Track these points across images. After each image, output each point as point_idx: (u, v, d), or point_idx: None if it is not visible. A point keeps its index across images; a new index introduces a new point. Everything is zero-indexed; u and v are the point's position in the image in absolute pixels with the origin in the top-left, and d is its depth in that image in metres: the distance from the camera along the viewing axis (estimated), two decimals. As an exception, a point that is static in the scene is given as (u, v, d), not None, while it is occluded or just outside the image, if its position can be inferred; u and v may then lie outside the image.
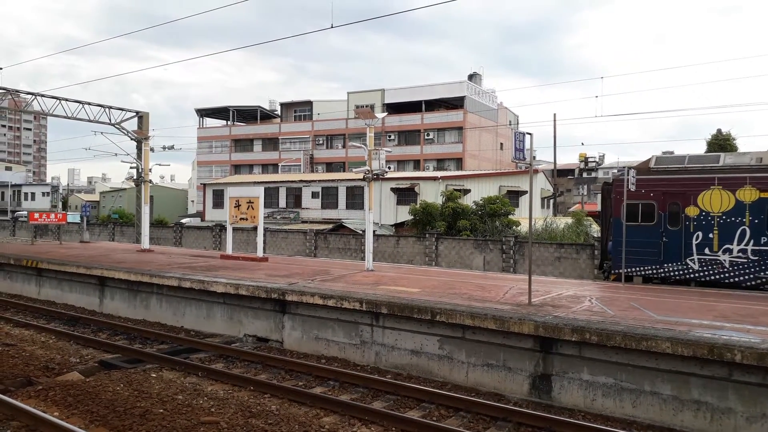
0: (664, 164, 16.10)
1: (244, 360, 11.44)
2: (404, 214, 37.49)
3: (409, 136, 57.91)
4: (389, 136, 57.87)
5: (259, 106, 69.00)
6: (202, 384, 9.71)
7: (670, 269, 15.41)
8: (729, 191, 14.62)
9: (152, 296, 15.64)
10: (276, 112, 70.48)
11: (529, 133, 11.66)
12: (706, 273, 14.93)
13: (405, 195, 41.18)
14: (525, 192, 41.57)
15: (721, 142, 37.18)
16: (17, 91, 27.23)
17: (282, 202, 47.98)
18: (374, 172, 17.43)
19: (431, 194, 38.36)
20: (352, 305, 11.60)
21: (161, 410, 8.15)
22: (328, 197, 45.67)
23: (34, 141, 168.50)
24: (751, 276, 14.41)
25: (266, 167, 65.85)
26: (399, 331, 11.17)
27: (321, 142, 62.91)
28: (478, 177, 43.00)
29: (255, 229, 21.94)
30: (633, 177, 15.12)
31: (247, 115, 70.52)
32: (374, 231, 23.01)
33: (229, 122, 70.37)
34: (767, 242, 14.16)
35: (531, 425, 8.18)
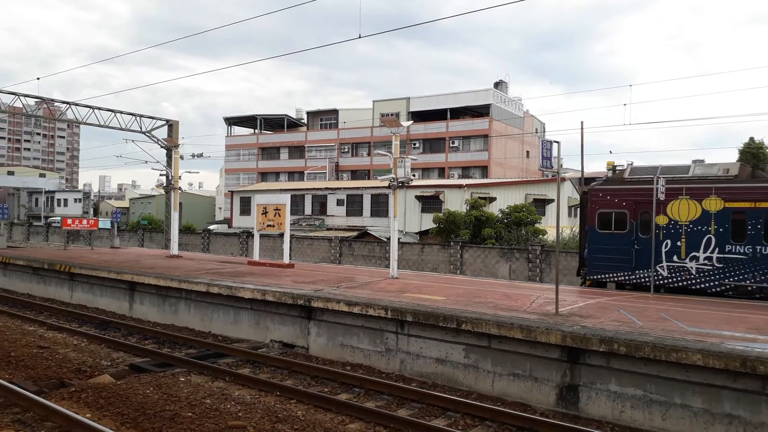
0: (637, 174, 16.64)
1: (270, 365, 11.55)
2: (429, 221, 37.45)
3: (434, 144, 57.89)
4: (414, 144, 57.93)
5: (286, 115, 69.74)
6: (230, 388, 9.83)
7: (642, 276, 15.78)
8: (696, 201, 15.07)
9: (181, 301, 15.89)
10: (302, 121, 71.14)
11: (557, 141, 11.60)
12: (675, 280, 15.35)
13: (430, 203, 41.16)
14: (552, 200, 41.21)
15: (754, 151, 36.38)
16: (52, 100, 28.04)
17: (308, 210, 48.35)
18: (399, 180, 17.47)
19: (456, 202, 38.27)
20: (377, 312, 11.63)
21: (190, 414, 8.28)
22: (353, 205, 45.87)
23: (67, 148, 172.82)
24: (716, 283, 14.78)
25: (292, 175, 66.44)
26: (424, 339, 11.16)
27: (346, 150, 63.28)
28: (503, 185, 42.77)
29: (281, 235, 22.16)
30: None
31: (274, 123, 71.32)
32: (399, 239, 23.03)
33: (256, 131, 71.26)
34: (731, 250, 14.57)
35: (558, 436, 8.09)
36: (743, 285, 14.43)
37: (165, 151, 28.27)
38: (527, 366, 9.93)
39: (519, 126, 59.46)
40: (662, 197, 14.77)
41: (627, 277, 16.08)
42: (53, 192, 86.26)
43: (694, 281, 15.07)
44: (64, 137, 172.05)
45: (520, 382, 9.97)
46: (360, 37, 16.11)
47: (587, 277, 17.09)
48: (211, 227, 52.48)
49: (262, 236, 23.45)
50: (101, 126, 28.09)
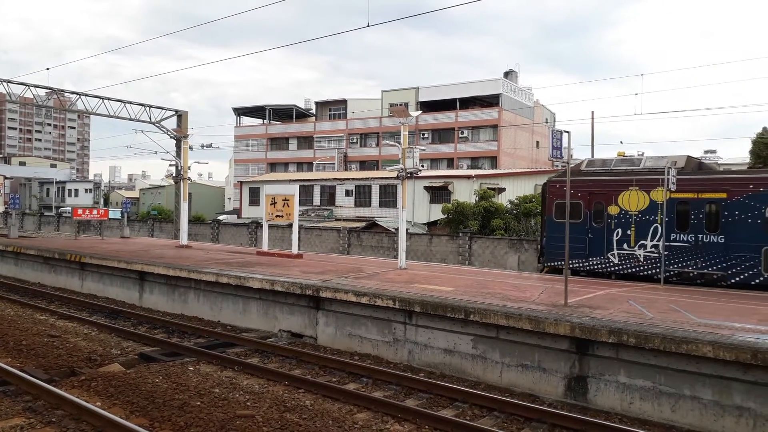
0: (593, 166, 17.51)
1: (278, 355, 11.59)
2: (437, 212, 37.38)
3: (443, 134, 57.67)
4: (423, 135, 57.74)
5: (295, 105, 69.69)
6: (238, 378, 9.87)
7: (595, 263, 16.74)
8: (644, 192, 15.86)
9: (190, 291, 15.97)
10: (311, 111, 71.07)
11: (567, 131, 11.49)
12: (624, 267, 16.25)
13: (438, 193, 41.04)
14: (561, 191, 40.88)
15: (767, 140, 35.94)
16: (62, 90, 28.12)
17: (316, 200, 48.38)
18: (408, 171, 17.41)
19: (465, 193, 38.14)
20: (385, 303, 11.63)
21: (198, 403, 8.33)
22: (362, 195, 45.84)
23: (78, 139, 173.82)
24: (662, 269, 15.40)
25: (301, 165, 66.49)
26: (432, 329, 11.15)
27: (355, 140, 63.19)
28: (513, 176, 42.57)
29: (290, 226, 22.19)
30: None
31: (283, 114, 71.30)
32: (407, 229, 23.00)
33: (265, 121, 71.27)
34: (676, 238, 15.43)
35: (566, 427, 8.07)
36: (686, 271, 15.35)
37: (174, 141, 28.31)
38: (535, 357, 9.90)
39: (529, 116, 59.08)
40: (673, 188, 14.65)
41: (581, 265, 16.94)
42: (64, 182, 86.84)
43: (642, 268, 15.91)
44: (74, 128, 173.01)
45: (528, 373, 9.95)
46: (368, 25, 16.02)
47: (545, 265, 17.95)
48: (221, 217, 52.67)
49: (270, 227, 23.49)
50: (111, 116, 28.15)
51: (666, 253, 15.35)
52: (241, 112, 72.34)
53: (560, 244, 16.85)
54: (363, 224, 38.18)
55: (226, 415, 7.86)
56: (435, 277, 15.52)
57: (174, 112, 30.60)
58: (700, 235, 15.13)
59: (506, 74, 59.80)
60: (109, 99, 27.97)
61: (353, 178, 47.60)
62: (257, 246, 30.65)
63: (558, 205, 17.26)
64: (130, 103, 28.46)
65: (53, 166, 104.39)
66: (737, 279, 14.57)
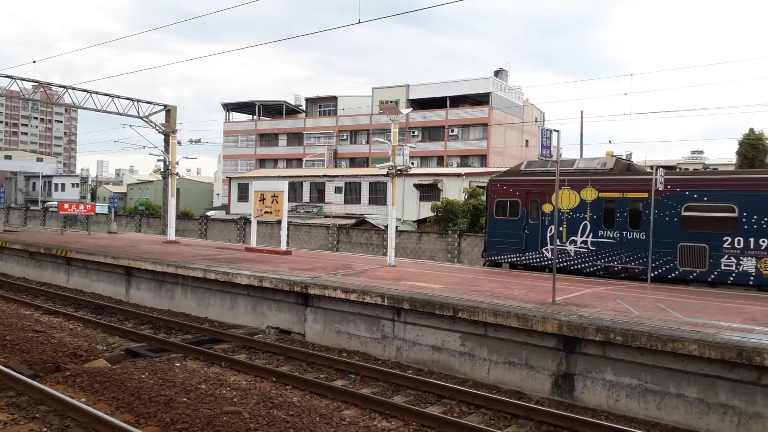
0: (531, 167, 18.36)
1: (266, 351, 11.55)
2: (427, 210, 37.42)
3: (433, 132, 57.70)
4: (413, 132, 57.74)
5: (285, 101, 69.41)
6: (225, 374, 9.82)
7: (531, 257, 17.66)
8: (575, 191, 16.76)
9: (177, 287, 15.87)
10: (301, 107, 70.82)
11: (556, 130, 11.53)
12: (557, 261, 16.41)
13: (428, 191, 41.08)
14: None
15: (753, 142, 36.29)
16: (49, 84, 27.81)
17: (306, 197, 48.26)
18: (398, 168, 17.39)
19: (454, 191, 38.21)
20: (373, 300, 11.62)
21: (185, 399, 8.27)
22: (351, 192, 45.80)
23: (65, 133, 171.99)
24: (590, 263, 16.55)
25: (290, 162, 66.26)
26: (420, 326, 11.16)
27: (345, 137, 63.07)
28: (502, 174, 42.62)
29: (279, 222, 22.10)
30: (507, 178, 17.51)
31: (273, 110, 70.99)
32: (396, 227, 22.99)
33: (254, 117, 70.93)
34: (603, 235, 16.33)
35: (553, 424, 8.11)
36: (611, 265, 16.24)
37: (163, 136, 28.12)
38: (523, 354, 9.93)
39: (519, 115, 59.26)
40: (661, 187, 14.76)
41: (518, 258, 17.94)
42: (50, 176, 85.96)
43: (572, 262, 16.82)
44: (61, 121, 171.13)
45: (515, 370, 9.98)
46: (359, 22, 15.96)
47: (487, 258, 18.95)
48: (209, 213, 52.40)
49: (259, 223, 23.39)
50: (99, 111, 27.90)
51: (594, 248, 16.37)
52: (230, 107, 71.94)
53: (500, 239, 18.37)
54: (352, 221, 38.14)
55: (213, 411, 7.81)
56: (424, 274, 15.53)
57: (162, 107, 30.39)
58: (625, 232, 15.97)
59: (496, 73, 59.92)
60: (96, 93, 27.73)
61: (343, 175, 47.53)
62: (246, 242, 30.52)
63: (499, 203, 18.32)
64: (118, 97, 28.23)
65: (39, 160, 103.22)
66: (656, 273, 15.27)
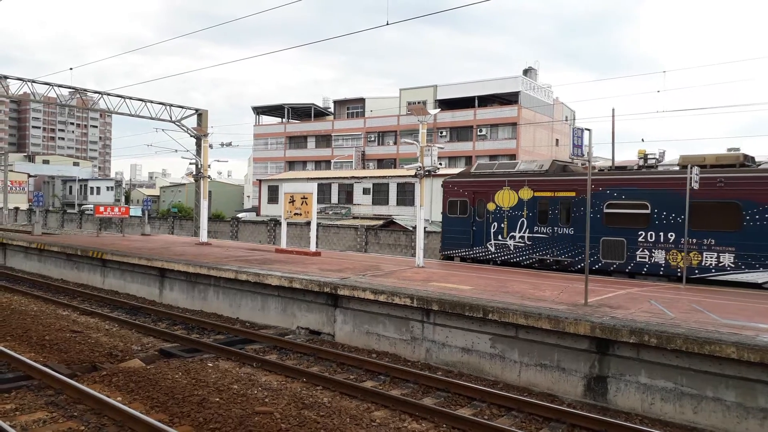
0: (480, 169, 20.30)
1: (296, 352, 11.63)
2: (456, 211, 37.18)
3: (461, 132, 57.41)
4: (441, 133, 57.54)
5: (313, 104, 69.87)
6: (257, 374, 9.93)
7: (478, 251, 19.30)
8: (514, 191, 18.40)
9: (210, 288, 16.10)
10: (329, 110, 71.21)
11: (588, 129, 11.37)
12: (499, 255, 18.83)
13: (457, 192, 40.82)
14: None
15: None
16: (85, 90, 28.49)
17: (334, 198, 48.51)
18: (426, 169, 17.34)
19: (483, 191, 37.87)
20: (403, 301, 11.61)
21: (217, 399, 8.39)
22: (379, 193, 45.86)
23: (100, 138, 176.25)
24: (527, 257, 18.17)
25: (319, 164, 66.66)
26: (450, 328, 11.11)
27: (373, 138, 63.18)
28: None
29: (308, 224, 22.25)
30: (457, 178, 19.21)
31: (302, 112, 71.53)
32: (425, 227, 22.93)
33: (283, 120, 71.59)
34: (538, 231, 17.87)
35: (585, 427, 7.99)
36: (545, 258, 17.78)
37: (194, 140, 28.55)
38: (555, 356, 9.81)
39: (548, 113, 58.57)
40: (696, 186, 14.43)
41: (467, 253, 19.62)
42: (86, 180, 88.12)
43: (512, 255, 18.47)
44: (96, 126, 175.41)
45: (547, 373, 9.87)
46: (388, 24, 15.96)
47: (442, 253, 20.68)
48: (240, 215, 53.06)
49: (289, 224, 23.58)
50: (132, 115, 28.48)
51: (530, 243, 18.00)
52: (260, 110, 72.73)
53: (452, 235, 20.19)
54: (380, 222, 38.17)
55: (245, 411, 7.90)
56: (453, 275, 15.46)
57: (194, 111, 30.85)
58: (556, 228, 17.50)
59: (525, 72, 59.34)
60: (130, 98, 28.29)
61: (371, 177, 47.64)
62: (276, 243, 30.80)
63: (451, 202, 20.06)
64: (151, 102, 28.76)
65: (76, 164, 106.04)
66: (582, 265, 15.91)
